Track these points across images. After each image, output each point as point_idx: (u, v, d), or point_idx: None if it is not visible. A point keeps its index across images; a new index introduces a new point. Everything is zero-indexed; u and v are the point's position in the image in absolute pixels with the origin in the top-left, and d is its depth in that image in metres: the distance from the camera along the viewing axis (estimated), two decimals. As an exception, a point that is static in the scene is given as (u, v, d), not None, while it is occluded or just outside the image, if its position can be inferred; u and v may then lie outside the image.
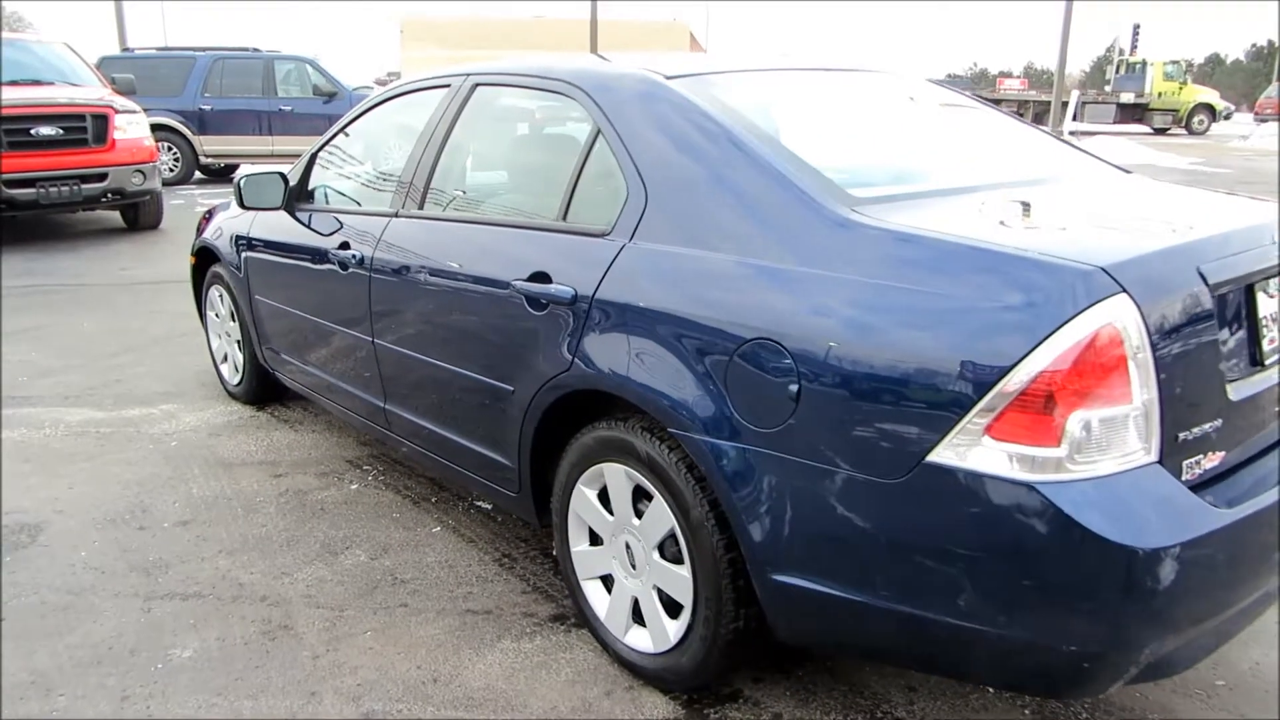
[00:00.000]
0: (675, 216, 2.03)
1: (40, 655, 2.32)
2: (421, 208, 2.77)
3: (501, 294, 2.35)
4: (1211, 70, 76.10)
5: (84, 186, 7.74)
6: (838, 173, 1.98)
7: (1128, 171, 2.51)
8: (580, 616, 2.40)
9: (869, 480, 1.66)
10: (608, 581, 2.29)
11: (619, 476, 2.14)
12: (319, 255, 3.13)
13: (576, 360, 2.14)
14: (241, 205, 3.35)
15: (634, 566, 2.17)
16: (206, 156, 12.65)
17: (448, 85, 2.86)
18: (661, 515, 2.04)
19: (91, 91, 8.20)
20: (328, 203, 3.35)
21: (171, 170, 12.23)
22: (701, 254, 1.94)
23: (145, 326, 5.44)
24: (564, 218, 2.31)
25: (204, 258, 4.17)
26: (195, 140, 12.44)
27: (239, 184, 3.32)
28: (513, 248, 2.37)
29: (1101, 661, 1.57)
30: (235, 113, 12.49)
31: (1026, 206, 1.93)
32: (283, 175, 3.39)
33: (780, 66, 2.60)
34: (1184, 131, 28.32)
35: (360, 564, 2.76)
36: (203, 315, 4.37)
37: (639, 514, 2.13)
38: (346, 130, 3.34)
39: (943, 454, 1.58)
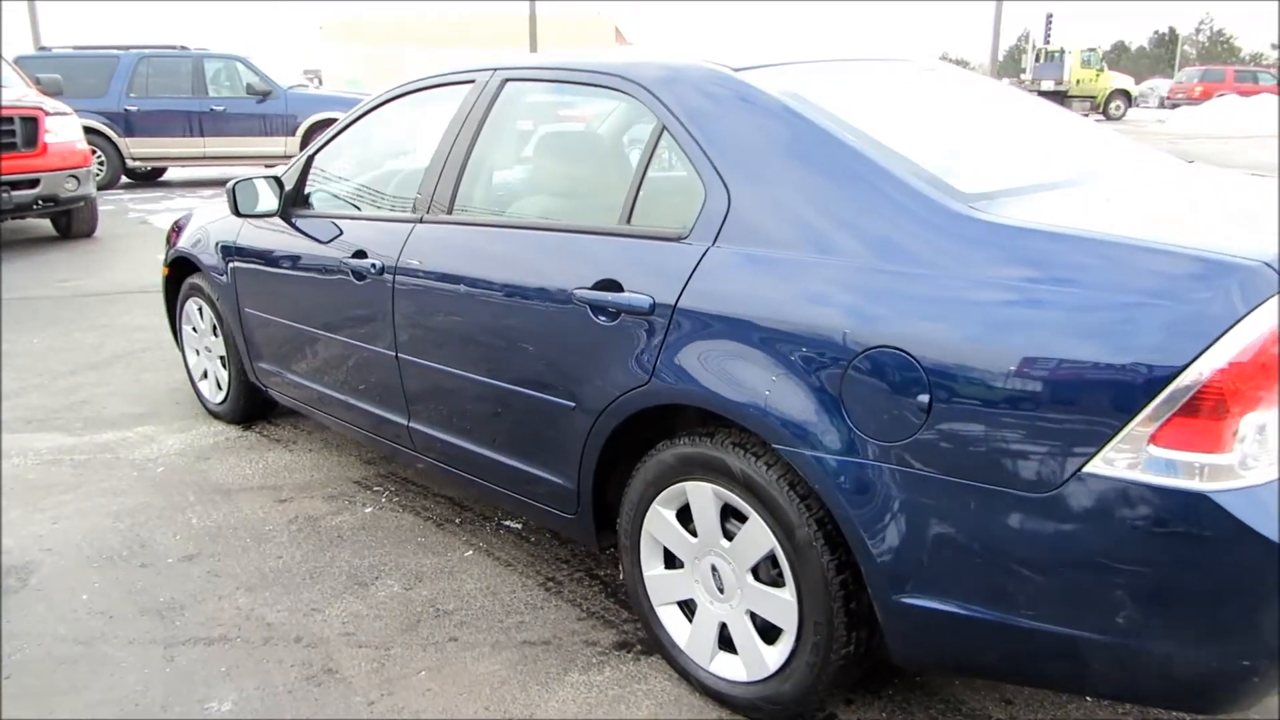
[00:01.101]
0: (766, 218, 1.90)
1: (61, 716, 2.10)
2: (450, 212, 2.59)
3: (560, 304, 2.19)
4: (1118, 57, 78.89)
5: (14, 194, 7.26)
6: (933, 166, 1.88)
7: (1190, 162, 2.46)
8: (651, 644, 2.26)
9: (1014, 494, 1.56)
10: (687, 606, 2.16)
11: (705, 496, 2.01)
12: (327, 265, 2.93)
13: (657, 373, 1.99)
14: (236, 212, 3.12)
15: (721, 591, 2.04)
16: (133, 160, 12.09)
17: (471, 81, 2.68)
18: (759, 536, 1.92)
19: (18, 92, 7.71)
20: (331, 208, 3.14)
21: (97, 174, 11.62)
22: (802, 258, 1.82)
23: (100, 342, 5.10)
24: (628, 221, 2.16)
25: (179, 268, 3.90)
26: (121, 143, 11.86)
27: (232, 190, 3.09)
28: (570, 254, 2.22)
29: (1268, 673, 1.50)
30: (163, 113, 11.94)
31: (1153, 200, 1.85)
32: (278, 179, 3.17)
33: (828, 57, 2.48)
34: (1102, 117, 29.21)
35: (395, 595, 2.58)
36: (176, 330, 4.09)
37: (728, 535, 2.00)
38: (348, 131, 3.13)
39: (1101, 464, 1.48)
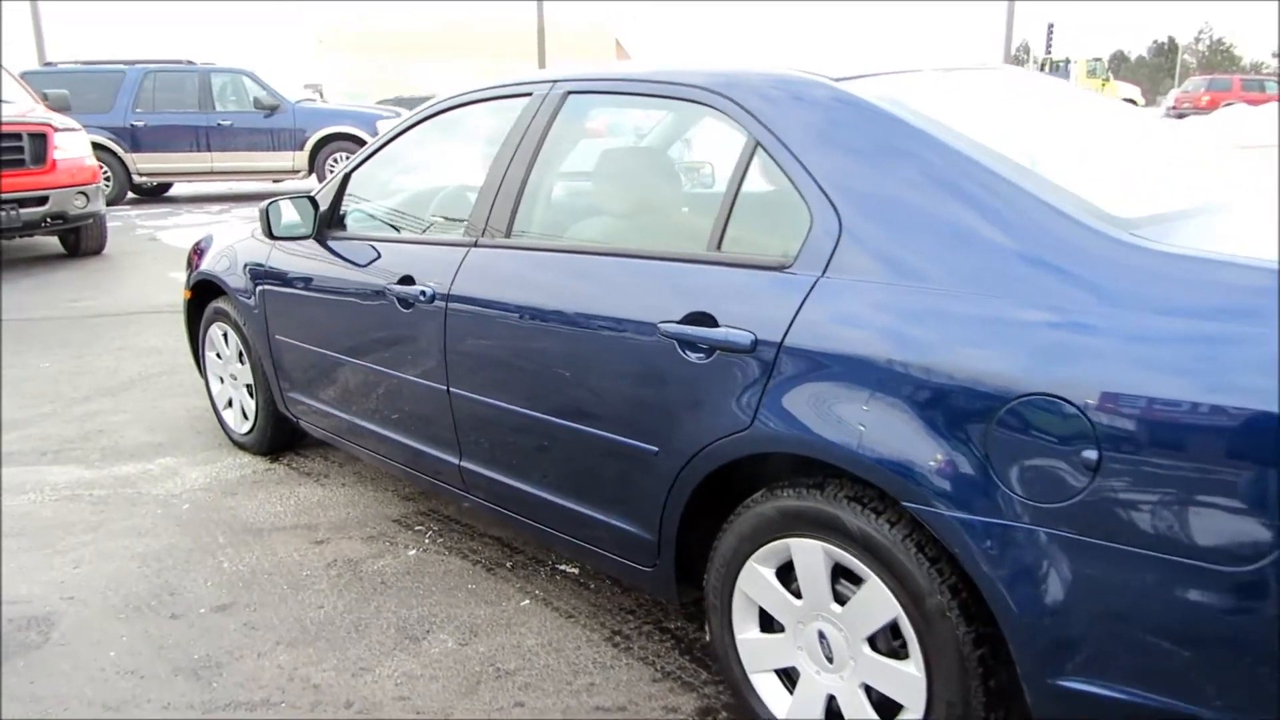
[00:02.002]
0: (886, 247, 1.71)
1: (92, 800, 1.89)
2: (508, 235, 2.39)
3: (642, 338, 1.99)
4: (1117, 67, 78.98)
5: (23, 211, 7.08)
6: (1076, 188, 1.68)
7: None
8: (742, 712, 2.05)
9: (1206, 568, 1.36)
10: (788, 675, 1.95)
11: (813, 554, 1.80)
12: (368, 290, 2.73)
13: (760, 418, 1.79)
14: (269, 234, 2.92)
15: (830, 660, 1.83)
16: (140, 175, 11.93)
17: (528, 94, 2.48)
18: (878, 602, 1.71)
19: (27, 108, 7.53)
20: (369, 230, 2.95)
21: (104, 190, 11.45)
22: (934, 292, 1.62)
23: (114, 366, 4.90)
24: (718, 247, 1.96)
25: (202, 291, 3.70)
26: (127, 158, 11.70)
27: (266, 211, 2.90)
28: (652, 284, 2.02)
29: None
30: (170, 128, 11.81)
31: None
32: (312, 199, 2.98)
33: (920, 67, 2.29)
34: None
35: (450, 652, 2.37)
36: (198, 355, 3.89)
37: (839, 598, 1.80)
38: (388, 147, 2.93)
39: (1318, 536, 1.28)
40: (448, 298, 2.45)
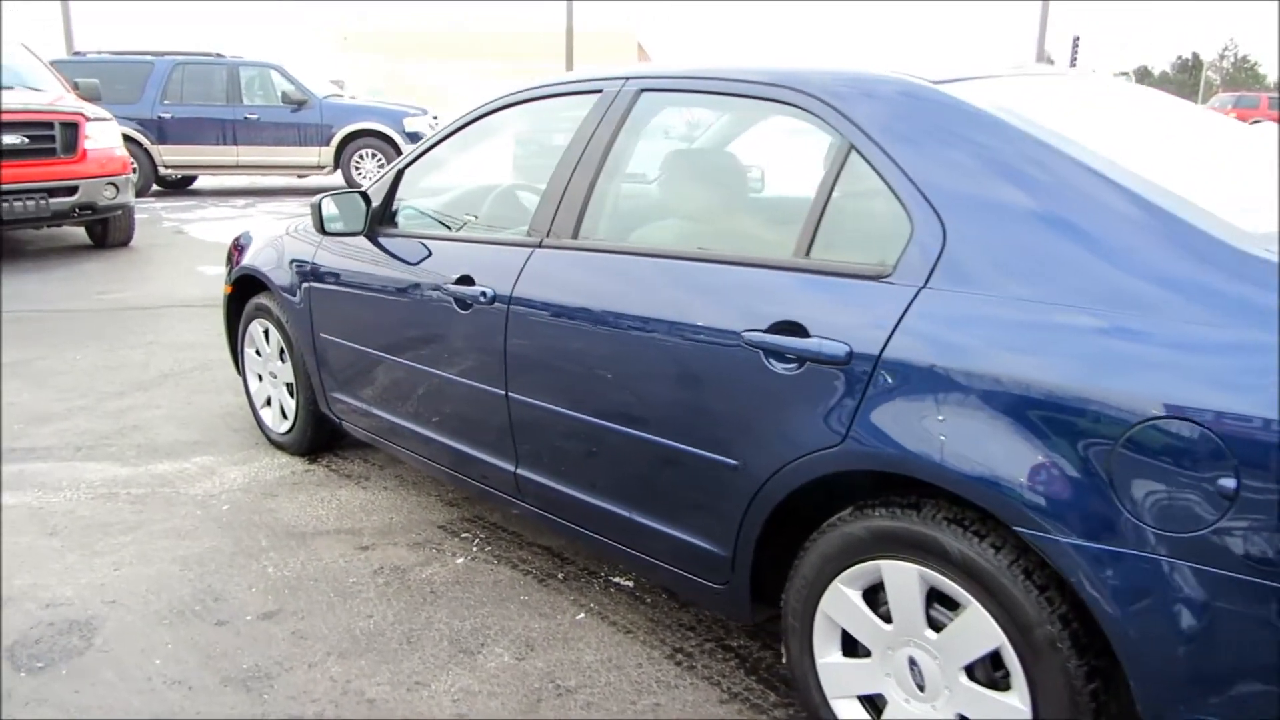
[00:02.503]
0: (996, 258, 1.61)
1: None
2: (575, 237, 2.31)
3: (723, 348, 1.90)
4: (1141, 82, 78.48)
5: (52, 201, 7.04)
6: (1197, 200, 1.59)
7: None
8: (819, 739, 1.96)
9: (1361, 608, 1.26)
10: (872, 702, 1.86)
11: (907, 577, 1.71)
12: (422, 290, 2.65)
13: (854, 434, 1.70)
14: (321, 230, 2.85)
15: (922, 689, 1.74)
16: (165, 167, 11.89)
17: (598, 91, 2.40)
18: (980, 630, 1.62)
19: (58, 97, 7.50)
20: (422, 227, 2.87)
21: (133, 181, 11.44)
22: (1051, 308, 1.52)
23: (146, 360, 4.84)
24: (807, 253, 1.87)
25: (243, 287, 3.63)
26: (154, 150, 11.68)
27: (319, 206, 2.82)
28: (735, 290, 1.93)
29: None
30: (197, 121, 11.76)
31: None
32: (364, 195, 2.90)
33: (1012, 72, 2.20)
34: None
35: (507, 667, 2.28)
36: (236, 352, 3.82)
37: (933, 624, 1.71)
38: (444, 144, 2.85)
39: None
40: (510, 299, 2.37)
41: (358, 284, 2.93)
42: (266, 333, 3.54)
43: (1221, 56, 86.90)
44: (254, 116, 11.88)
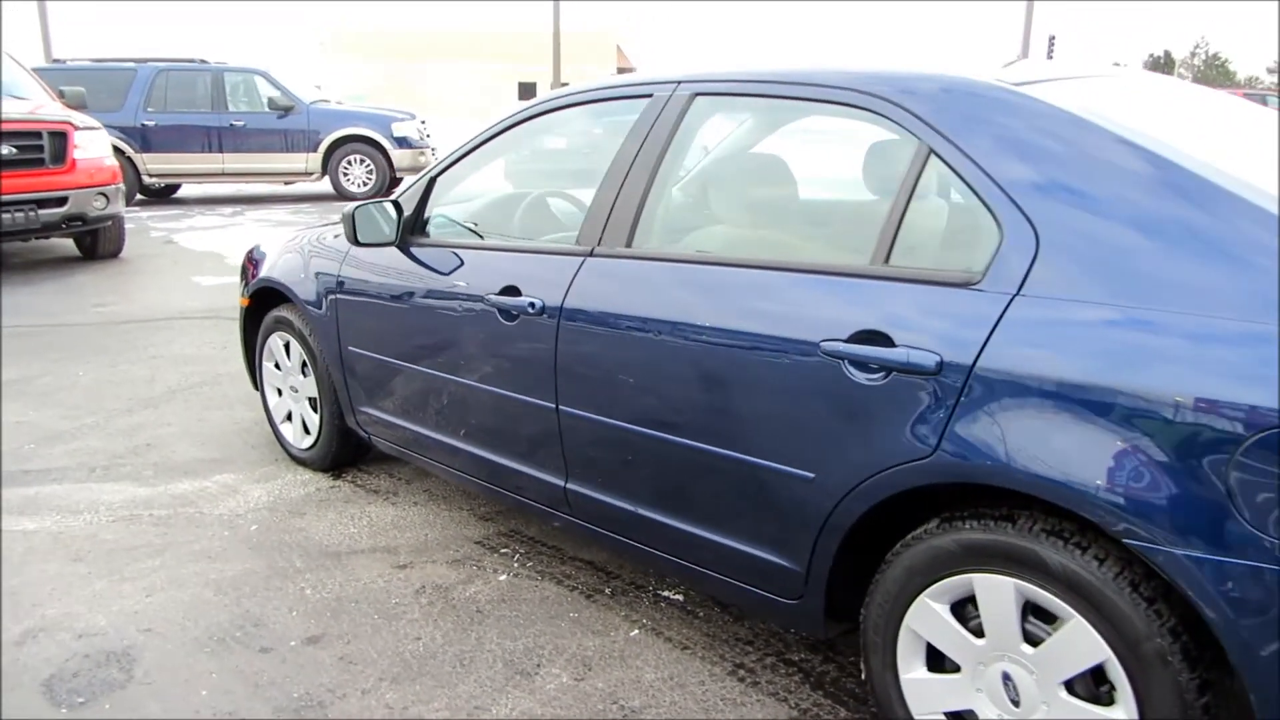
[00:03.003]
0: (1094, 264, 1.57)
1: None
2: (628, 245, 2.25)
3: (798, 357, 1.85)
4: (1113, 79, 78.90)
5: (42, 212, 6.89)
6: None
7: None
8: (901, 758, 1.91)
9: None
10: (960, 718, 1.81)
11: (1002, 591, 1.66)
12: (462, 301, 2.58)
13: (945, 445, 1.66)
14: (355, 241, 2.77)
15: (1017, 704, 1.70)
16: (149, 176, 11.72)
17: (648, 95, 2.34)
18: (1083, 644, 1.57)
19: (46, 106, 7.35)
20: (456, 237, 2.80)
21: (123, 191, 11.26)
22: (1158, 314, 1.49)
23: (151, 375, 4.73)
24: (886, 260, 1.83)
25: (261, 300, 3.55)
26: (138, 159, 11.49)
27: (352, 216, 2.75)
28: (808, 298, 1.88)
29: None
30: (182, 128, 11.59)
31: None
32: (396, 204, 2.83)
33: (1082, 73, 2.15)
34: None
35: (567, 688, 2.22)
36: (253, 366, 3.74)
37: (1029, 638, 1.66)
38: (480, 150, 2.78)
39: None
40: (560, 310, 2.31)
41: (390, 295, 2.86)
42: (287, 346, 3.45)
43: (1193, 54, 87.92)
44: (240, 123, 11.73)
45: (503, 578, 2.74)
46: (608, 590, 2.66)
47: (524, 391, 2.45)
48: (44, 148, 6.95)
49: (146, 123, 11.48)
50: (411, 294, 2.78)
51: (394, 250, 2.87)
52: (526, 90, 47.63)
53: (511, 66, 45.78)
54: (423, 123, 12.73)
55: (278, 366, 3.57)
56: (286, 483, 3.43)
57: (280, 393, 3.60)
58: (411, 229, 2.86)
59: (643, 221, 2.25)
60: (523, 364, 2.43)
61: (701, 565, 2.18)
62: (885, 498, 1.77)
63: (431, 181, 2.87)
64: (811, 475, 1.87)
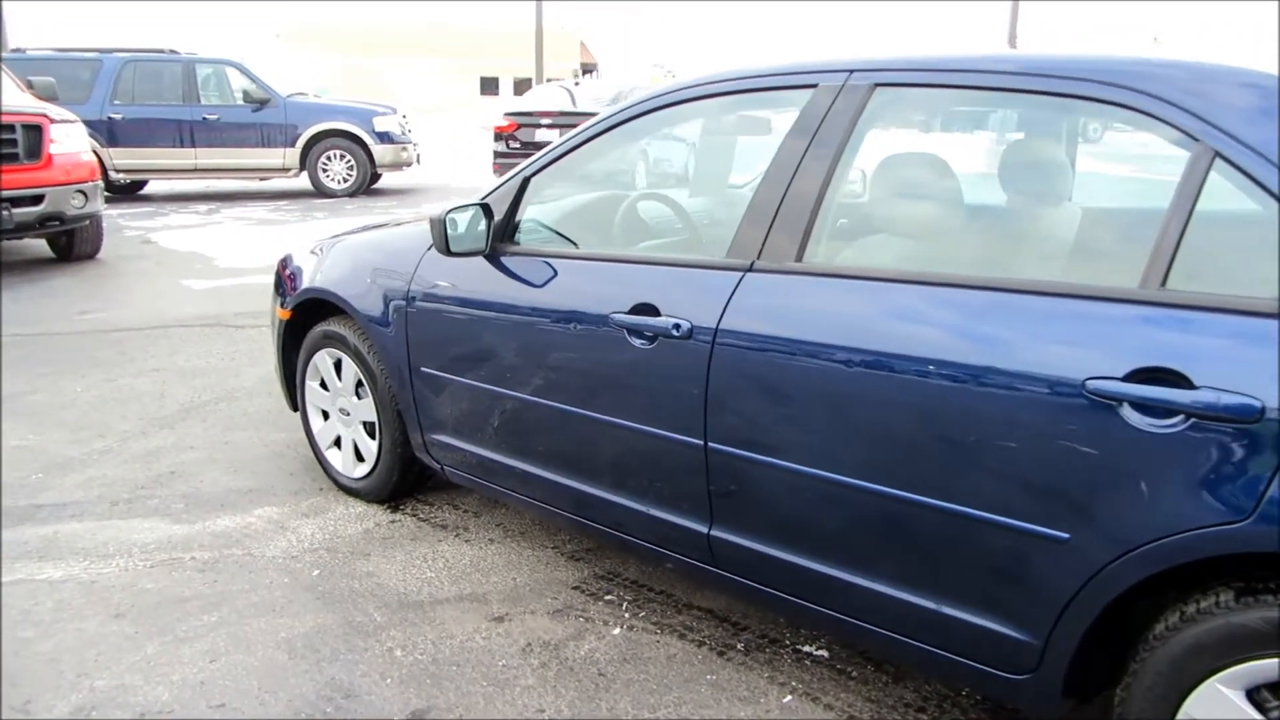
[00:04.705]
0: None
1: None
2: (799, 259, 1.95)
3: (1050, 397, 1.57)
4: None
5: (16, 211, 6.39)
6: None
7: None
8: None
9: None
10: (1255, 825, 1.54)
11: (1331, 682, 1.40)
12: (581, 320, 2.27)
13: (1265, 508, 1.38)
14: (447, 251, 2.43)
15: (1340, 813, 1.43)
16: (117, 171, 11.13)
17: (812, 85, 2.04)
18: None
19: (17, 97, 6.83)
20: (562, 246, 2.48)
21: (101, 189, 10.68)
22: None
23: (159, 391, 4.32)
24: (1163, 283, 1.55)
25: (305, 312, 3.18)
26: (104, 153, 10.88)
27: (444, 222, 2.41)
28: (1059, 326, 1.60)
29: None
30: (151, 122, 11.04)
31: None
32: (486, 207, 2.50)
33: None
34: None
35: (732, 773, 1.92)
36: (292, 386, 3.36)
37: (1363, 737, 1.40)
38: (585, 147, 2.46)
39: None
40: (715, 333, 2.00)
41: (478, 311, 2.53)
42: (338, 364, 3.10)
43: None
44: (213, 117, 11.20)
45: (616, 631, 2.42)
46: (740, 645, 2.36)
47: (659, 424, 2.14)
48: (18, 142, 6.45)
49: (114, 116, 10.91)
50: (507, 310, 2.45)
51: (481, 260, 2.53)
52: (488, 85, 47.05)
53: (473, 62, 45.22)
54: (404, 117, 12.28)
55: (324, 386, 3.20)
56: (339, 517, 3.07)
57: (327, 415, 3.24)
58: (501, 236, 2.53)
59: (815, 233, 1.95)
60: (660, 394, 2.12)
61: (891, 629, 1.89)
62: (1174, 566, 1.49)
63: (525, 182, 2.54)
64: (1066, 536, 1.59)
